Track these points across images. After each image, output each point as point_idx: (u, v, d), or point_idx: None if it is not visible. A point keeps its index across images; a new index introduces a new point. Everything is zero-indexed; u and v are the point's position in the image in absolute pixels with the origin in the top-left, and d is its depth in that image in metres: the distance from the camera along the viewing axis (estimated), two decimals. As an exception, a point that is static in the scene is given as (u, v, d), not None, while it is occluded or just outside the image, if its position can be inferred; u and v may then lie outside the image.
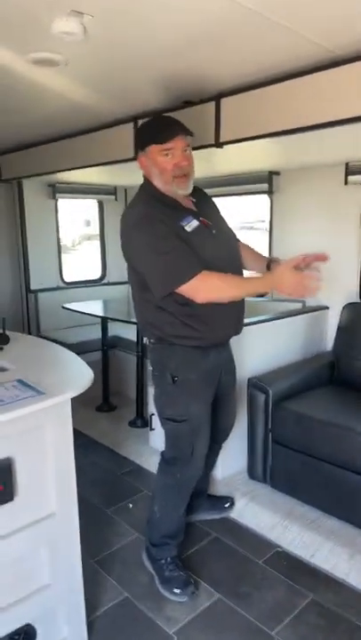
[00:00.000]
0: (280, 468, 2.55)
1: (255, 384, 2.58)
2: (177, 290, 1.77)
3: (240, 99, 2.18)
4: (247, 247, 2.19)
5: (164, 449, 2.13)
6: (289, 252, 3.34)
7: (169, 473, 2.09)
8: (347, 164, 2.93)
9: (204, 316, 1.88)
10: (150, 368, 2.12)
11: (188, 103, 2.42)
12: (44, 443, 1.52)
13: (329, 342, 3.13)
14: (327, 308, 3.18)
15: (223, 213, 2.12)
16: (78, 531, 1.67)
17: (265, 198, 3.52)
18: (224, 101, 2.24)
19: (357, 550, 2.13)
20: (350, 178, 2.93)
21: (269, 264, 2.06)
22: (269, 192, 3.38)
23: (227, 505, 2.50)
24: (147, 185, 1.93)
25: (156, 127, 1.90)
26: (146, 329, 2.01)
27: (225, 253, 1.96)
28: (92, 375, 1.64)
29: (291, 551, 2.24)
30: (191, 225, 1.85)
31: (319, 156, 2.88)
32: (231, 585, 2.05)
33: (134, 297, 2.00)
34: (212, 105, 2.30)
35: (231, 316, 1.99)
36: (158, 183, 1.88)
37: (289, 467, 2.51)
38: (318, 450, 2.35)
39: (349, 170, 2.92)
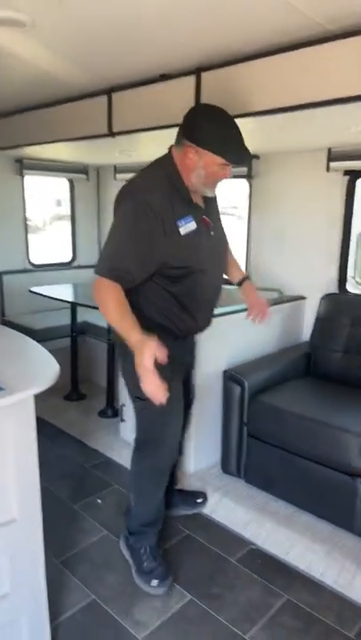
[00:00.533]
0: (255, 462, 2.48)
1: (231, 376, 2.49)
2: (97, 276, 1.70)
3: (222, 73, 2.04)
4: (230, 253, 2.16)
5: (135, 435, 2.05)
6: (267, 238, 3.31)
7: (143, 458, 2.02)
8: (329, 150, 2.83)
9: (182, 309, 1.82)
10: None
11: (165, 76, 2.26)
12: (4, 443, 1.38)
13: (306, 333, 3.07)
14: (304, 298, 3.11)
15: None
16: (42, 537, 1.54)
17: (241, 183, 3.40)
18: (205, 76, 2.10)
19: (333, 547, 2.09)
20: (332, 164, 2.84)
21: (242, 282, 2.16)
22: (248, 176, 3.26)
23: (199, 500, 2.42)
24: (169, 166, 1.77)
25: (231, 143, 1.72)
26: None
27: (214, 257, 1.89)
28: (58, 368, 1.51)
29: (265, 549, 2.17)
30: (187, 227, 1.74)
31: (301, 140, 2.77)
32: (204, 585, 1.97)
33: None
34: (191, 79, 2.15)
35: (206, 311, 1.96)
36: (194, 178, 1.75)
37: (264, 461, 2.44)
38: (294, 444, 2.29)
39: (332, 155, 2.82)
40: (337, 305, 2.85)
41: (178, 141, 1.77)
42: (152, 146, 2.85)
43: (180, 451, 2.38)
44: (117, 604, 1.88)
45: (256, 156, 3.22)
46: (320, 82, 1.79)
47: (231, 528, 2.30)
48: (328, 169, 2.86)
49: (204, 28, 1.73)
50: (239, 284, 2.17)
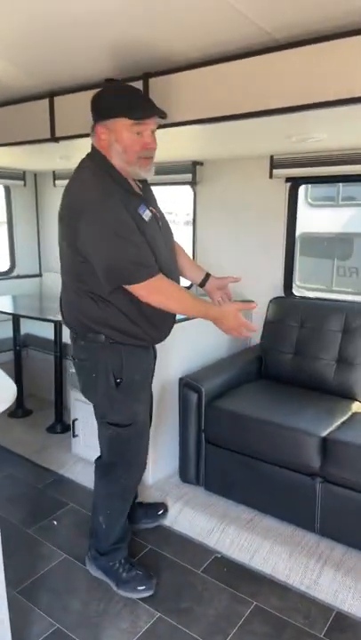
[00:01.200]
0: (213, 468, 2.48)
1: (187, 383, 2.47)
2: (129, 286, 1.63)
3: (171, 79, 2.02)
4: (183, 251, 2.09)
5: (100, 455, 1.98)
6: (213, 246, 3.33)
7: (114, 481, 1.95)
8: (272, 157, 2.90)
9: (152, 315, 1.76)
10: (74, 369, 1.95)
11: (110, 81, 2.21)
12: None
13: (255, 336, 3.10)
14: (252, 302, 3.15)
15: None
16: (1, 568, 1.44)
17: (177, 190, 3.41)
18: (153, 81, 2.07)
19: (295, 548, 2.12)
20: (275, 171, 2.90)
21: (206, 280, 2.06)
22: (193, 183, 3.27)
23: (160, 512, 2.37)
24: (100, 159, 1.70)
25: (130, 99, 1.67)
26: (83, 325, 1.79)
27: (168, 249, 1.84)
28: (15, 389, 1.41)
29: (230, 556, 2.16)
30: (147, 214, 1.69)
31: (245, 148, 2.82)
32: (171, 601, 1.92)
33: (69, 287, 1.78)
34: (139, 85, 2.11)
35: (173, 315, 1.90)
36: (118, 161, 1.68)
37: (223, 467, 2.44)
38: (252, 448, 2.30)
39: (274, 163, 2.89)
40: (285, 308, 2.92)
41: (92, 131, 1.72)
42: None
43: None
44: (84, 631, 1.79)
45: (200, 163, 3.24)
46: (267, 91, 1.81)
47: (194, 538, 2.28)
48: (271, 176, 2.92)
49: (150, 33, 1.71)
50: (202, 284, 2.06)
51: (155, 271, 1.64)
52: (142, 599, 1.92)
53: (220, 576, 2.05)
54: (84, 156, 1.83)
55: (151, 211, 1.75)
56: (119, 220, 1.60)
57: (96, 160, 1.72)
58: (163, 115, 1.70)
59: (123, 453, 1.91)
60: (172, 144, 2.64)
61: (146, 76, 2.08)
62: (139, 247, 1.62)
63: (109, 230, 1.60)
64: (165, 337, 1.94)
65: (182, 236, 2.52)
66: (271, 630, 1.78)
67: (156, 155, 1.95)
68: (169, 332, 1.93)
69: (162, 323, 1.84)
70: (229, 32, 1.67)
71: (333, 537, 2.14)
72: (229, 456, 2.39)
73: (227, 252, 3.27)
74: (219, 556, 2.17)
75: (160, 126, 2.08)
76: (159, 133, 2.14)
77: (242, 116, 1.89)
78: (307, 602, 1.92)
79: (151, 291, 1.64)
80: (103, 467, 1.96)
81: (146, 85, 2.09)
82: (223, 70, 1.88)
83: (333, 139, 2.33)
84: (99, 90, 1.75)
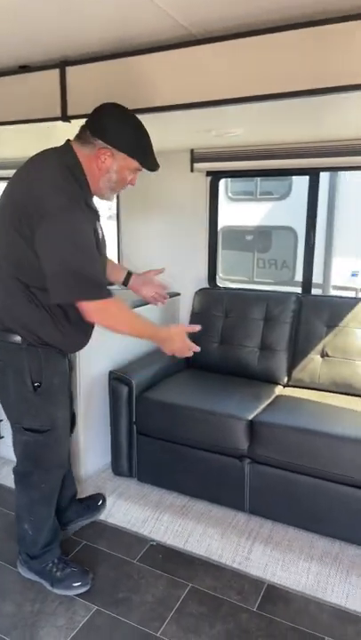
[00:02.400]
0: (146, 459, 2.50)
1: (117, 377, 2.46)
2: (78, 302, 1.61)
3: (89, 69, 1.99)
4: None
5: (19, 466, 1.90)
6: (137, 239, 3.33)
7: (32, 487, 1.89)
8: (192, 151, 2.95)
9: (78, 323, 1.72)
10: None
11: (24, 68, 2.14)
12: None
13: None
14: (179, 294, 3.20)
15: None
16: None
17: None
18: (70, 70, 2.03)
19: (227, 528, 2.20)
20: (196, 165, 2.96)
21: (128, 278, 2.08)
22: (115, 175, 3.24)
23: (100, 502, 2.35)
24: (77, 171, 1.65)
25: (146, 146, 1.72)
26: (4, 322, 1.71)
27: (104, 264, 1.83)
28: None
29: (165, 542, 2.20)
30: (98, 232, 1.70)
31: (165, 141, 2.84)
32: (108, 593, 1.92)
33: (4, 278, 1.68)
34: (55, 73, 2.06)
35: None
36: (102, 182, 1.69)
37: (155, 457, 2.47)
38: (183, 436, 2.35)
39: (195, 157, 2.95)
40: (209, 299, 2.99)
41: (85, 140, 1.68)
42: (11, 140, 2.69)
43: (68, 465, 2.29)
44: (18, 633, 1.74)
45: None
46: (186, 84, 1.85)
47: (129, 529, 2.29)
48: (192, 169, 2.98)
49: (66, 21, 1.67)
50: (125, 282, 2.07)
51: (109, 293, 1.63)
52: (79, 595, 1.90)
53: (156, 563, 2.08)
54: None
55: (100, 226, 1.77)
56: (86, 233, 1.60)
57: (70, 166, 1.65)
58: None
59: (39, 460, 1.84)
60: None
61: (63, 64, 2.04)
62: (97, 265, 1.63)
63: (76, 241, 1.57)
64: (83, 346, 1.92)
65: (106, 230, 2.49)
66: (207, 610, 1.84)
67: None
68: (88, 339, 1.91)
69: (85, 331, 1.79)
70: (147, 25, 1.67)
71: (262, 514, 2.24)
72: (161, 445, 2.43)
73: (151, 245, 3.29)
74: (154, 543, 2.20)
75: (86, 115, 2.04)
76: (77, 124, 2.12)
77: (158, 109, 1.91)
78: (239, 578, 2.00)
79: (101, 312, 1.63)
80: (19, 475, 1.89)
81: (63, 73, 2.05)
82: (141, 62, 1.89)
83: (250, 134, 2.42)
84: (111, 111, 1.71)
